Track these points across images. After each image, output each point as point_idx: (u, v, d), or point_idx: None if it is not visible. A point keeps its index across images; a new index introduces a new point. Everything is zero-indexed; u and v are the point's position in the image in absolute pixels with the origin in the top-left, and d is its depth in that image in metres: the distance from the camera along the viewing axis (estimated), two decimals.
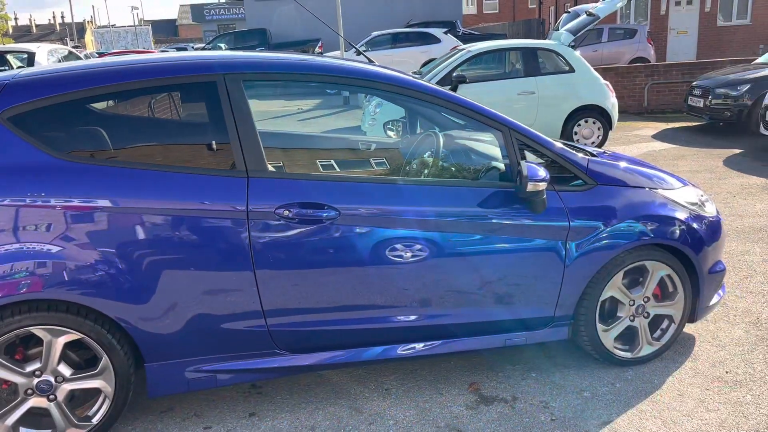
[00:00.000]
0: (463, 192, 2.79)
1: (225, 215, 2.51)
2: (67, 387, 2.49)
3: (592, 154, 3.20)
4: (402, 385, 3.02)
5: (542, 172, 2.69)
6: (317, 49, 21.67)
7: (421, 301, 2.78)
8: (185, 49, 29.12)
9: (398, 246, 2.68)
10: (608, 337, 3.06)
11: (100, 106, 2.89)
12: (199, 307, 2.55)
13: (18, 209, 2.36)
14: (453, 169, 3.14)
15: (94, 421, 2.56)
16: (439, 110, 2.99)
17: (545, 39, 10.91)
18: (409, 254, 2.69)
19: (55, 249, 2.39)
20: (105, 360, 2.49)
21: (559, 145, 3.00)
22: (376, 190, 2.71)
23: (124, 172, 2.47)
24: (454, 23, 22.01)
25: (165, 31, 70.05)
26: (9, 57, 11.09)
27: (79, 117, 2.64)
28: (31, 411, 2.49)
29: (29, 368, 2.45)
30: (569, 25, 9.04)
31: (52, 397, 2.48)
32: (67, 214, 2.40)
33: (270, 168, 2.63)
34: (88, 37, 63.81)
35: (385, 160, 3.78)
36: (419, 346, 2.86)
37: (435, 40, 18.61)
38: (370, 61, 3.19)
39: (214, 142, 2.68)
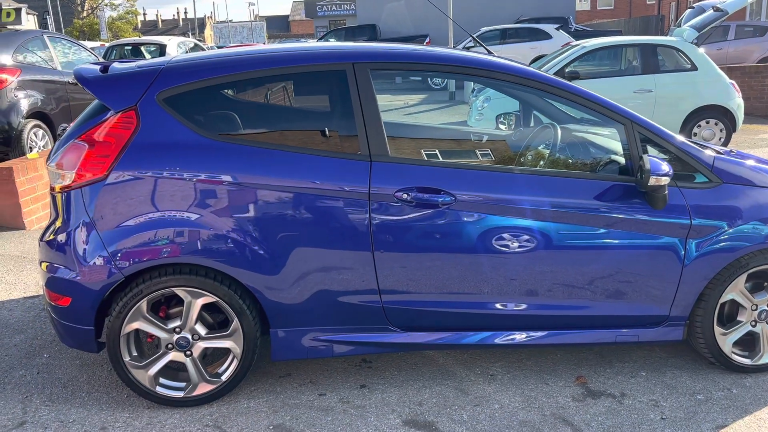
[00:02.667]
0: (580, 184, 2.80)
1: (349, 196, 2.67)
2: (202, 345, 2.75)
3: (718, 152, 3.09)
4: (507, 372, 3.07)
5: (665, 167, 2.65)
6: (426, 44, 21.84)
7: (531, 292, 2.81)
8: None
9: (511, 235, 2.73)
10: (727, 341, 2.96)
11: (237, 93, 3.14)
12: (321, 280, 2.72)
13: (169, 182, 2.63)
14: (570, 161, 3.14)
15: (224, 378, 2.80)
16: (559, 102, 3.01)
17: (665, 36, 10.43)
18: (520, 243, 2.74)
19: (199, 219, 2.64)
20: (236, 323, 2.73)
21: (682, 140, 2.93)
22: (493, 178, 2.77)
23: (264, 153, 2.68)
24: (567, 19, 21.43)
25: (278, 26, 72.74)
26: (143, 49, 12.03)
27: (222, 101, 2.89)
28: (170, 365, 2.77)
29: (171, 325, 2.72)
30: (693, 21, 8.61)
31: (188, 353, 2.74)
32: (212, 189, 2.64)
33: (391, 153, 2.76)
34: (208, 32, 67.45)
35: (498, 151, 3.82)
36: (522, 336, 2.89)
37: (546, 36, 18.23)
38: (489, 53, 3.24)
39: (339, 128, 2.85)
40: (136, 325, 2.69)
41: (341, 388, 2.96)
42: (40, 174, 5.47)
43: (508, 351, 3.25)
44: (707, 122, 8.08)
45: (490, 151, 3.83)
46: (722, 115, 8.05)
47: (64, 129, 2.86)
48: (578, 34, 18.92)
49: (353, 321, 2.82)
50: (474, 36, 4.06)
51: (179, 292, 2.68)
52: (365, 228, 2.69)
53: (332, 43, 3.22)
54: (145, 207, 2.64)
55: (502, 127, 4.76)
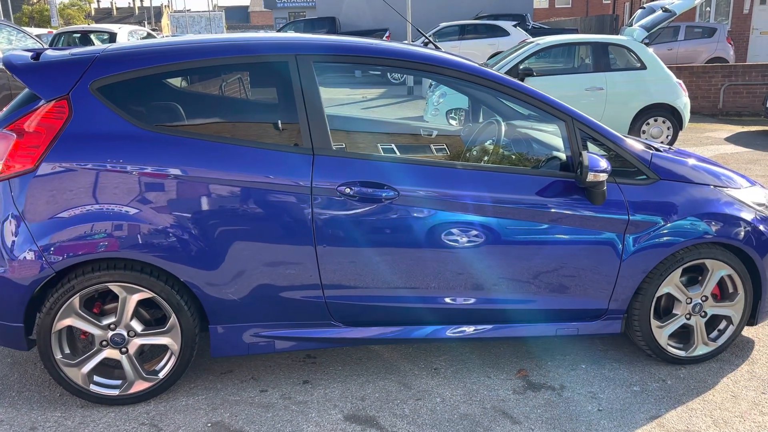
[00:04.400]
0: (522, 179, 2.82)
1: (290, 189, 2.63)
2: (138, 342, 2.68)
3: (657, 149, 3.16)
4: (451, 366, 3.09)
5: (603, 163, 2.70)
6: (385, 39, 21.80)
7: (475, 286, 2.83)
8: None
9: (454, 230, 2.74)
10: (662, 333, 3.03)
11: (176, 82, 3.06)
12: (262, 275, 2.68)
13: (101, 174, 2.55)
14: (513, 157, 3.17)
15: (161, 375, 2.74)
16: (504, 98, 3.02)
17: (618, 35, 10.64)
18: (464, 239, 2.75)
19: (133, 213, 2.57)
20: (173, 319, 2.66)
21: (620, 137, 2.98)
22: (436, 173, 2.77)
23: (200, 145, 2.62)
24: (524, 16, 21.66)
25: (237, 17, 71.70)
26: (92, 36, 11.67)
27: (160, 91, 2.81)
28: (104, 362, 2.69)
29: (105, 321, 2.64)
30: (643, 21, 8.80)
31: (124, 350, 2.67)
32: (147, 182, 2.57)
33: (334, 147, 2.73)
34: (164, 21, 65.97)
35: (446, 146, 3.83)
36: (470, 329, 2.91)
37: (504, 32, 18.40)
38: (438, 49, 3.24)
39: (282, 120, 2.81)
40: (68, 321, 2.61)
41: (283, 384, 2.93)
42: None
43: (452, 345, 3.27)
44: (655, 120, 8.28)
45: (438, 147, 3.84)
46: (670, 113, 8.26)
47: None
48: (536, 32, 19.14)
49: (295, 316, 2.79)
50: (425, 33, 4.06)
51: (114, 287, 2.60)
52: (308, 223, 2.66)
53: (276, 35, 3.17)
54: (77, 200, 2.55)
55: (452, 122, 4.77)
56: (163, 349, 2.76)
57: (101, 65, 2.67)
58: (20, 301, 2.57)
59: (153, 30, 17.39)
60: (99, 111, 2.61)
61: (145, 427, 2.59)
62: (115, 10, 72.73)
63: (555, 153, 3.02)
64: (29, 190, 2.53)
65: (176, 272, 2.62)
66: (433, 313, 2.87)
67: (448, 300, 2.85)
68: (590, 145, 2.93)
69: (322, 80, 2.82)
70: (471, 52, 18.00)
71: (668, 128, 8.31)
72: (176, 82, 3.03)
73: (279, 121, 2.83)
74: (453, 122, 4.68)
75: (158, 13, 69.65)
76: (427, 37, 3.90)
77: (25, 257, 2.54)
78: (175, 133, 2.67)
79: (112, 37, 10.89)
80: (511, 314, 2.92)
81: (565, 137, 2.88)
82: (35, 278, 2.54)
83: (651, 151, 3.02)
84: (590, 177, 2.67)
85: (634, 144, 3.01)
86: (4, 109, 2.89)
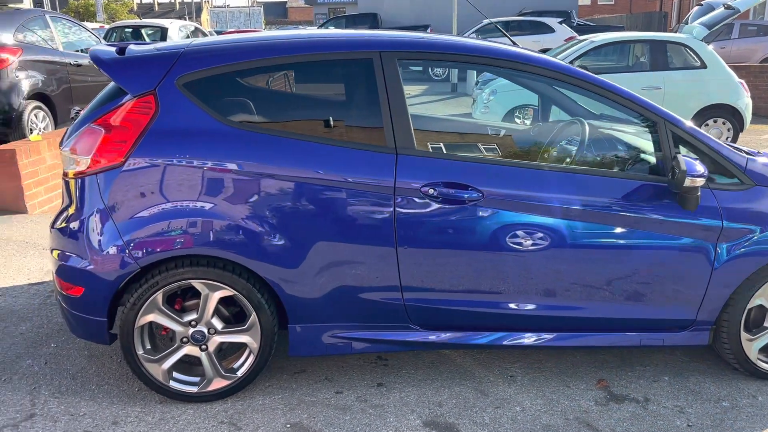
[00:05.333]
0: (609, 182, 2.72)
1: (373, 189, 2.58)
2: (218, 339, 2.67)
3: (749, 154, 3.02)
4: (527, 374, 3.01)
5: (700, 167, 2.58)
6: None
7: (559, 291, 2.74)
8: None
9: (539, 233, 2.65)
10: (753, 347, 2.90)
11: (256, 80, 3.04)
12: (342, 275, 2.64)
13: (187, 170, 2.53)
14: (598, 159, 3.06)
15: (239, 373, 2.72)
16: (590, 97, 2.92)
17: (672, 32, 10.36)
18: (549, 242, 2.66)
19: (217, 210, 2.55)
20: (253, 317, 2.64)
21: (716, 140, 2.86)
22: (521, 174, 2.69)
23: (287, 143, 2.58)
24: (569, 13, 21.31)
25: (276, 12, 72.13)
26: (143, 31, 11.84)
27: (244, 88, 2.79)
28: (184, 359, 2.69)
29: (186, 318, 2.64)
30: (703, 19, 8.55)
31: (204, 347, 2.66)
32: (231, 178, 2.54)
33: (417, 147, 2.67)
34: (204, 16, 66.82)
35: (519, 146, 3.74)
36: (551, 336, 2.82)
37: (549, 29, 18.14)
38: (514, 44, 3.15)
39: (364, 119, 2.76)
40: (150, 317, 2.60)
41: (358, 386, 2.88)
42: (42, 157, 5.35)
43: (526, 352, 3.18)
44: (715, 121, 8.03)
45: (511, 146, 3.75)
46: (730, 114, 8.01)
47: (78, 112, 2.75)
48: (581, 29, 18.81)
49: (373, 318, 2.74)
50: (500, 27, 3.96)
51: (196, 284, 2.59)
52: (389, 223, 2.60)
53: (355, 31, 3.11)
54: (162, 196, 2.54)
55: (517, 121, 4.68)
56: (242, 346, 2.74)
57: (187, 61, 2.66)
58: (105, 295, 2.58)
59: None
60: (185, 107, 2.60)
61: (225, 426, 2.58)
62: (156, 6, 73.91)
63: (642, 155, 2.91)
64: (116, 185, 2.53)
65: (258, 270, 2.59)
66: (514, 319, 2.79)
67: (530, 306, 2.76)
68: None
69: None
70: None
71: (728, 129, 8.05)
72: (256, 79, 3.00)
73: (362, 121, 2.78)
74: (518, 121, 4.58)
75: (198, 8, 70.53)
76: (501, 30, 3.80)
77: (110, 252, 2.54)
78: (259, 129, 2.64)
79: (163, 32, 11.05)
80: (595, 322, 2.83)
81: (656, 139, 2.77)
82: (121, 273, 2.54)
83: (746, 156, 2.89)
84: (687, 182, 2.56)
85: (729, 148, 2.88)
86: (88, 104, 2.90)
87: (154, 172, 2.53)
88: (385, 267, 2.65)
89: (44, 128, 7.26)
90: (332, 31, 3.02)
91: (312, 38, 2.83)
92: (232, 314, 2.73)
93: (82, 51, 8.18)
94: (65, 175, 2.66)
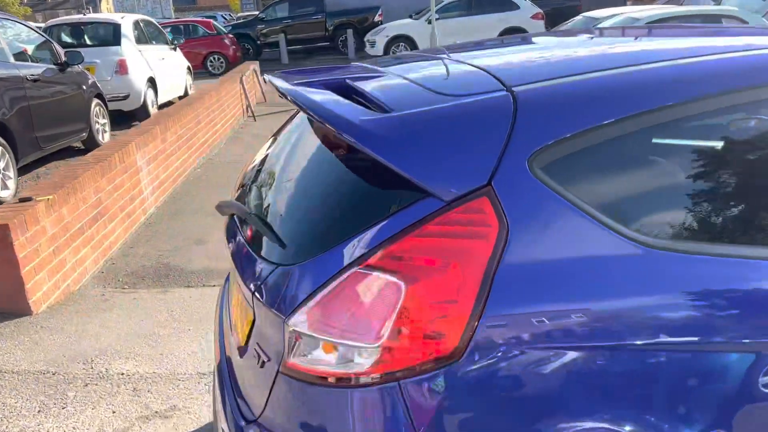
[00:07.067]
0: None
1: None
2: None
3: None
4: None
5: None
6: (377, 18, 20.19)
7: None
8: (214, 18, 26.97)
9: None
10: None
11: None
12: None
13: (600, 355, 1.21)
14: None
15: None
16: None
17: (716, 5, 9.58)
18: None
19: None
20: None
21: None
22: None
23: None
24: None
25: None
26: (86, 29, 9.80)
27: (642, 166, 1.45)
28: None
29: None
30: None
31: None
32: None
33: None
34: (104, 6, 61.94)
35: None
36: None
37: (513, 6, 17.22)
38: None
39: None
40: None
41: None
42: (42, 227, 3.70)
43: None
44: None
45: None
46: None
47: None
48: (549, 3, 17.97)
49: None
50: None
51: None
52: None
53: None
54: (559, 410, 1.21)
55: None
56: None
57: (537, 117, 1.31)
58: None
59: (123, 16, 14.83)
60: (559, 212, 1.26)
61: None
62: None
63: None
64: (449, 394, 1.18)
65: None
66: None
67: None
68: None
69: None
70: (480, 29, 16.65)
71: None
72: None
73: None
74: None
75: None
76: None
77: None
78: (699, 250, 1.33)
79: (116, 29, 9.00)
80: None
81: None
82: None
83: None
84: None
85: None
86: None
87: (527, 364, 1.20)
88: None
89: (2, 168, 5.49)
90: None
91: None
92: None
93: (38, 60, 6.36)
94: (288, 369, 1.26)
